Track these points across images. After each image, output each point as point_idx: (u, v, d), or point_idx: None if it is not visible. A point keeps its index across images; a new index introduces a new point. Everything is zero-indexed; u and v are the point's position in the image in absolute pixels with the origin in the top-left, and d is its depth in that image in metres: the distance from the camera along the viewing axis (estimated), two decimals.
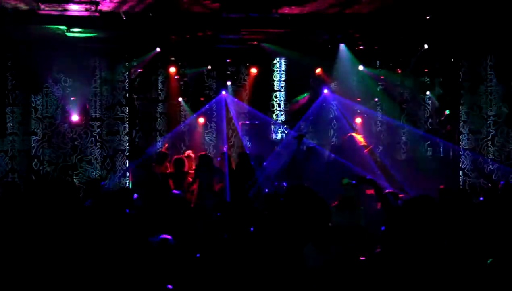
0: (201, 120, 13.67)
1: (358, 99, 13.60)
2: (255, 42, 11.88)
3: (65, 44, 10.98)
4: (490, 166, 11.97)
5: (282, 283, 4.06)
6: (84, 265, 4.37)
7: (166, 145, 12.67)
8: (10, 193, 6.97)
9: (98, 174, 11.96)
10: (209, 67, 13.14)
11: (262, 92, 14.00)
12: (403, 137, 13.82)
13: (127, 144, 12.40)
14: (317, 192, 5.56)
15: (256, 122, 14.16)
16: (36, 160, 11.75)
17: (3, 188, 8.11)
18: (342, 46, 11.99)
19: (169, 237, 4.71)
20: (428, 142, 13.32)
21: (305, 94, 13.86)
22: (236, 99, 13.98)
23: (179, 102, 13.71)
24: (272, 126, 14.19)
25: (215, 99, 13.72)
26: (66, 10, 9.60)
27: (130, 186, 11.69)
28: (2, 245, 4.42)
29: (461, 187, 12.11)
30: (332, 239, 4.68)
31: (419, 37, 11.43)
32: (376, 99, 13.81)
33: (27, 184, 10.71)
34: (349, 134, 12.41)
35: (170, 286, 4.30)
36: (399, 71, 13.08)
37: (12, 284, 4.15)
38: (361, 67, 12.81)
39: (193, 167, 11.28)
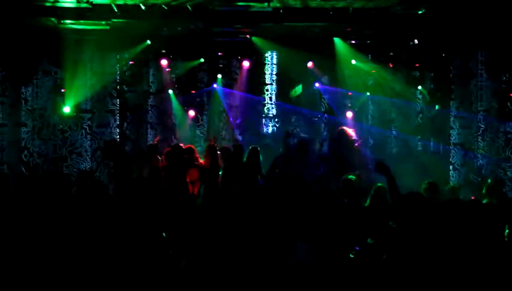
0: (192, 113, 13.50)
1: (350, 94, 13.52)
2: (247, 36, 11.86)
3: (56, 36, 10.93)
4: (480, 161, 12.00)
5: (273, 275, 4.15)
6: (78, 257, 4.40)
7: (158, 138, 12.52)
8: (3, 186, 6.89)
9: (89, 166, 11.94)
10: (202, 60, 13.04)
11: (253, 86, 13.84)
12: (393, 132, 13.76)
13: (118, 136, 12.41)
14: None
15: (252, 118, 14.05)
16: (26, 151, 11.74)
17: None
18: (335, 40, 11.98)
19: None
20: (419, 137, 13.26)
21: (300, 87, 13.80)
22: (227, 92, 13.82)
23: (169, 95, 13.71)
24: (263, 119, 14.04)
25: (206, 92, 13.65)
26: (57, 1, 9.57)
27: None
28: None
29: (451, 181, 11.99)
30: (322, 233, 4.60)
31: (411, 32, 11.40)
32: (368, 93, 13.63)
33: (17, 176, 10.37)
34: (340, 128, 12.25)
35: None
36: (391, 65, 13.07)
37: (8, 272, 4.21)
38: (353, 61, 12.76)
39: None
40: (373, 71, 13.25)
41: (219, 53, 13.06)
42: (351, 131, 12.28)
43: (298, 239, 4.46)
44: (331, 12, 10.06)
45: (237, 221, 4.98)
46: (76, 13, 10.03)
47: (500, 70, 11.91)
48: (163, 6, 9.62)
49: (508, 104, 11.81)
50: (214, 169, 10.36)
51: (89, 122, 12.20)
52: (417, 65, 12.88)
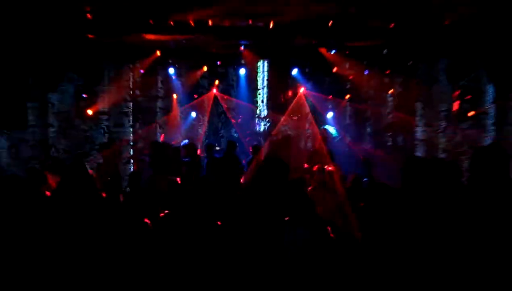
0: (193, 114, 14.09)
1: (330, 97, 14.18)
2: (241, 48, 12.12)
3: (80, 47, 11.08)
4: (440, 155, 11.94)
5: (267, 253, 4.22)
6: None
7: (162, 136, 12.98)
8: (34, 178, 6.84)
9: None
10: (205, 69, 13.46)
11: (248, 90, 14.31)
12: (368, 129, 14.40)
13: (131, 134, 12.77)
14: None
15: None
16: (53, 148, 11.80)
17: (27, 174, 7.90)
18: (318, 50, 12.18)
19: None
20: (389, 134, 13.71)
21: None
22: (225, 96, 14.30)
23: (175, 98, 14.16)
24: (256, 119, 14.68)
25: (207, 96, 14.19)
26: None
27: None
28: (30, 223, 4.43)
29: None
30: (307, 216, 4.61)
31: (383, 43, 11.60)
32: (348, 96, 14.14)
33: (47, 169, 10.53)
34: (322, 128, 13.16)
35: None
36: (366, 72, 13.46)
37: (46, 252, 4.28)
38: (334, 69, 13.17)
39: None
40: (350, 77, 13.82)
41: (218, 62, 13.47)
42: (332, 129, 13.47)
43: (290, 222, 4.49)
44: (315, 25, 10.15)
45: (232, 207, 5.02)
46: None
47: (458, 77, 11.52)
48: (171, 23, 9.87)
49: (464, 105, 11.31)
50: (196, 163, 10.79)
51: (106, 122, 12.54)
52: (388, 71, 13.16)
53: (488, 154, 3.92)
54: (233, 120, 14.62)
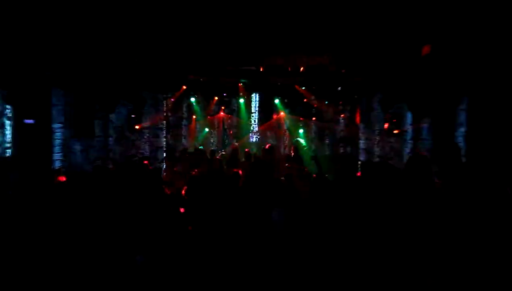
0: (206, 129, 14.27)
1: (301, 119, 14.16)
2: (240, 84, 12.28)
3: (129, 84, 11.09)
4: (375, 159, 12.27)
5: (256, 230, 4.00)
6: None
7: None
8: (100, 174, 6.44)
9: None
10: (216, 98, 13.46)
11: (245, 113, 14.41)
12: (327, 141, 14.62)
13: (164, 143, 13.02)
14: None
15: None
16: (111, 152, 12.23)
17: (94, 169, 8.21)
18: (294, 87, 12.39)
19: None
20: (342, 144, 14.11)
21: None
22: (229, 117, 14.55)
23: (194, 118, 14.18)
24: (250, 133, 14.69)
25: (216, 117, 14.27)
26: None
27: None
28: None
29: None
30: (289, 201, 4.41)
31: (337, 82, 11.80)
32: (314, 118, 14.37)
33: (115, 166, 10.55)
34: (295, 140, 13.49)
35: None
36: (326, 102, 13.76)
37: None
38: (305, 100, 13.36)
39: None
40: (315, 105, 13.85)
41: (224, 94, 13.59)
42: (302, 141, 13.52)
43: (274, 206, 4.28)
44: (288, 73, 10.34)
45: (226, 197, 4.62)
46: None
47: (388, 107, 11.88)
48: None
49: (391, 126, 11.61)
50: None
51: (148, 134, 12.82)
52: (340, 102, 13.61)
53: (418, 160, 3.71)
54: (230, 132, 14.39)
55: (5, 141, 10.86)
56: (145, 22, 6.79)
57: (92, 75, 10.09)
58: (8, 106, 10.72)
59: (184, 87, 12.35)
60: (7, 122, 10.93)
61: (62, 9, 5.93)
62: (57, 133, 11.44)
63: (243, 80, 11.54)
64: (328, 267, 3.19)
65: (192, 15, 6.67)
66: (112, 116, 12.20)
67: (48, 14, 6.05)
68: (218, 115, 14.14)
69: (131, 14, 6.66)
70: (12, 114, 10.90)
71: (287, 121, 14.34)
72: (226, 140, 14.36)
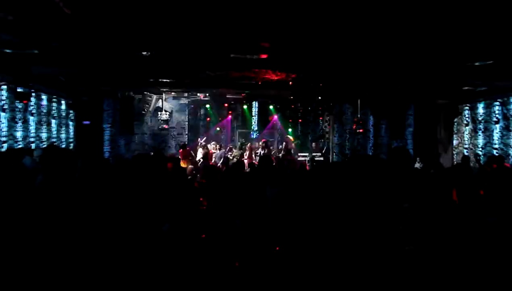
0: (218, 129, 14.18)
1: (290, 120, 14.21)
2: (243, 95, 11.72)
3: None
4: (347, 152, 12.63)
5: (253, 204, 3.80)
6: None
7: (201, 140, 12.72)
8: (138, 160, 5.13)
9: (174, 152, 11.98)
10: (226, 105, 12.87)
11: (247, 117, 14.42)
12: (309, 137, 14.57)
13: (186, 139, 12.99)
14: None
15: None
16: (146, 145, 12.58)
17: (133, 158, 7.01)
18: (283, 96, 11.45)
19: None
20: (321, 140, 13.88)
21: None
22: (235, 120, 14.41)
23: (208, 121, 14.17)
24: (251, 131, 14.56)
25: (226, 119, 14.26)
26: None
27: None
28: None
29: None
30: (281, 181, 4.23)
31: (317, 93, 11.00)
32: (300, 120, 14.09)
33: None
34: (286, 136, 13.83)
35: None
36: (309, 108, 13.23)
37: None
38: (292, 105, 13.04)
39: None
40: (301, 110, 13.55)
41: (232, 102, 12.76)
42: (292, 137, 13.66)
43: (268, 186, 4.12)
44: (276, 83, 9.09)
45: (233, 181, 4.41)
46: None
47: (355, 112, 12.14)
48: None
49: (358, 126, 11.33)
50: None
51: (174, 132, 12.96)
52: (320, 108, 13.26)
53: (397, 152, 3.53)
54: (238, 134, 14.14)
55: (69, 137, 11.49)
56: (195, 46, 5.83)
57: (131, 89, 10.60)
58: (71, 111, 11.39)
59: (201, 97, 11.86)
60: (71, 123, 11.60)
61: (108, 41, 5.58)
62: (106, 131, 12.02)
63: (246, 91, 11.18)
64: (313, 237, 2.80)
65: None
66: (148, 119, 12.56)
67: (101, 46, 5.87)
68: (227, 118, 14.07)
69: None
70: (74, 117, 11.57)
71: (279, 123, 14.43)
72: (234, 138, 14.34)
